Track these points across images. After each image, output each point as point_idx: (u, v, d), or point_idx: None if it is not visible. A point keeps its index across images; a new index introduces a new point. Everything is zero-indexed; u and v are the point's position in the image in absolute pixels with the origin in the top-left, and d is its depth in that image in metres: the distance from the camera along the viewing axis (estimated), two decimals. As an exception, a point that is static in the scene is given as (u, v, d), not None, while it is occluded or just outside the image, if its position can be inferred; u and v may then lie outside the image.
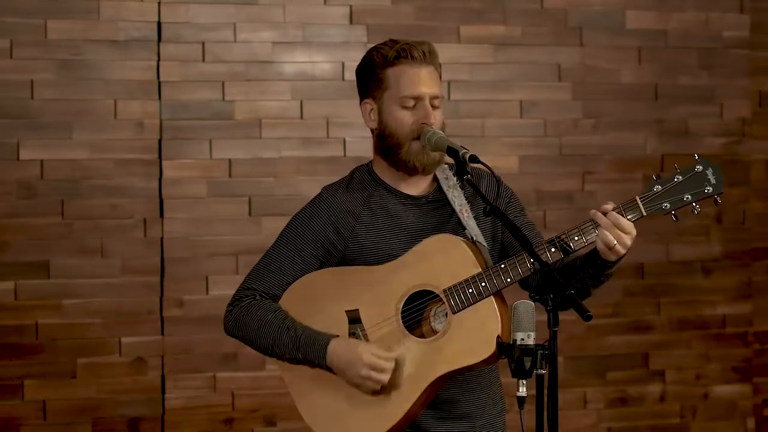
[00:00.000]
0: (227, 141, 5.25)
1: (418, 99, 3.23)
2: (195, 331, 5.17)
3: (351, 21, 5.37)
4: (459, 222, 3.25)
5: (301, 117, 5.33)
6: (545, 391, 2.84)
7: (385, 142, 3.26)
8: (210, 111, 5.24)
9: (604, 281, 3.17)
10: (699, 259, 5.76)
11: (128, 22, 5.15)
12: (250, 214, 5.24)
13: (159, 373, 5.18)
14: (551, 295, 2.84)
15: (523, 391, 2.87)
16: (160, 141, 5.19)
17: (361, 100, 3.32)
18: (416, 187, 3.31)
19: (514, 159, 5.52)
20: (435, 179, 3.32)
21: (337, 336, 3.20)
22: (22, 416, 5.07)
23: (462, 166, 3.11)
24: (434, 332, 3.19)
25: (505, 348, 2.91)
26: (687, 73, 5.73)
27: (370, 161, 3.36)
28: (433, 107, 3.24)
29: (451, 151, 3.13)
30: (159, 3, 5.18)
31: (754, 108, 5.81)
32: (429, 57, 3.25)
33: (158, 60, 5.19)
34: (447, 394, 3.24)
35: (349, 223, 3.26)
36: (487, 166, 3.16)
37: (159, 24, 5.19)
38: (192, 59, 5.22)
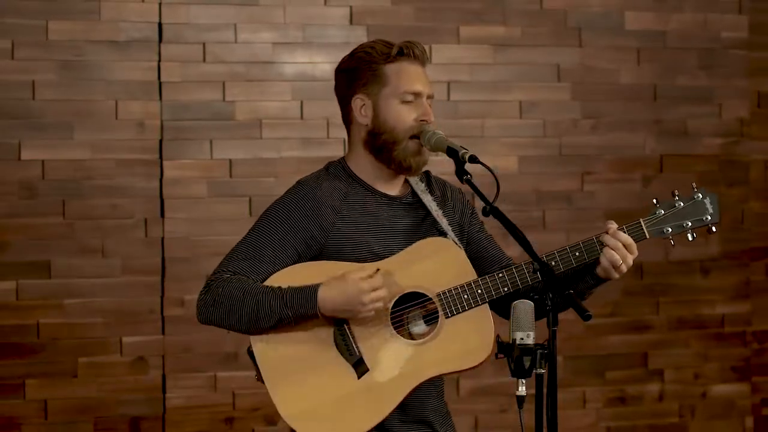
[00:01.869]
0: (228, 141, 5.26)
1: (417, 95, 3.25)
2: (196, 330, 5.16)
3: (351, 22, 5.38)
4: (434, 225, 3.27)
5: (302, 117, 5.34)
6: (545, 391, 2.86)
7: (379, 139, 3.25)
8: (210, 111, 5.25)
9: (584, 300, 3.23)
10: (698, 259, 5.77)
11: (129, 23, 5.16)
12: (250, 214, 5.25)
13: (160, 372, 5.20)
14: (550, 295, 2.86)
15: (522, 390, 2.88)
16: (160, 141, 5.21)
17: (350, 95, 3.29)
18: (392, 187, 3.31)
19: (513, 159, 5.53)
20: (407, 183, 3.34)
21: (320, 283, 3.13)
22: (24, 416, 5.08)
23: (461, 166, 3.12)
24: (410, 336, 3.18)
25: (504, 347, 2.92)
26: (686, 73, 5.75)
27: (343, 157, 3.35)
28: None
29: (451, 152, 3.15)
30: (160, 4, 5.19)
31: (753, 108, 5.82)
32: (425, 57, 3.29)
33: (159, 60, 5.20)
34: (416, 399, 3.23)
35: (330, 217, 3.23)
36: (487, 167, 3.18)
37: (160, 25, 5.20)
38: (193, 60, 5.23)
